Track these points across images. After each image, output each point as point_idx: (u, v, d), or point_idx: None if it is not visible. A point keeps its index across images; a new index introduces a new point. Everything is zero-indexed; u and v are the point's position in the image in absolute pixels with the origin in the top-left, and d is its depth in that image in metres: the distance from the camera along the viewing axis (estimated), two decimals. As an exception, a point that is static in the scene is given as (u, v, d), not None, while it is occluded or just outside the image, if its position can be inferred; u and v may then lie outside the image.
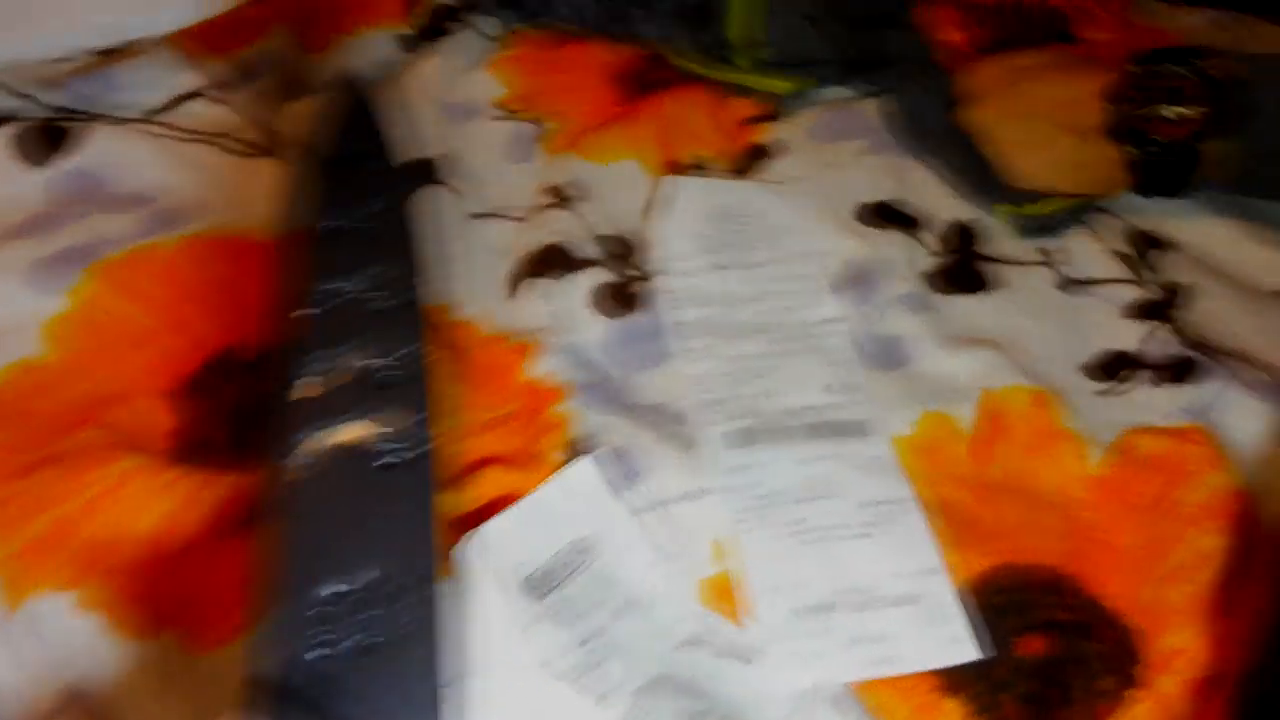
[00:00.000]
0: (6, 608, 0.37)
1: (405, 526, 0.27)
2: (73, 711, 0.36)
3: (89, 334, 0.47)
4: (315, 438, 0.27)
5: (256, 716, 0.24)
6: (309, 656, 0.24)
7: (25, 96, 0.55)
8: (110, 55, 0.58)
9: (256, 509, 0.39)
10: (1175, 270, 0.58)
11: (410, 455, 0.28)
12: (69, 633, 0.37)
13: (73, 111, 0.56)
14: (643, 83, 0.67)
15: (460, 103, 0.63)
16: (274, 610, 0.25)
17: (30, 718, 0.36)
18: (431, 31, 0.67)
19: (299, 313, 0.30)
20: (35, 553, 0.38)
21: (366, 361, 0.29)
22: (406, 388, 0.29)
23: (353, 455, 0.27)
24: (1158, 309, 0.56)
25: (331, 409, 0.28)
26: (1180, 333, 0.54)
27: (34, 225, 0.50)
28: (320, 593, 0.25)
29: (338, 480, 0.27)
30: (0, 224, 0.50)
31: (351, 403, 0.28)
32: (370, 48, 0.65)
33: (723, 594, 0.43)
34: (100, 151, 0.54)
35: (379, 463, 0.28)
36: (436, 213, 0.54)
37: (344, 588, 0.25)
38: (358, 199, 0.31)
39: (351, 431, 0.28)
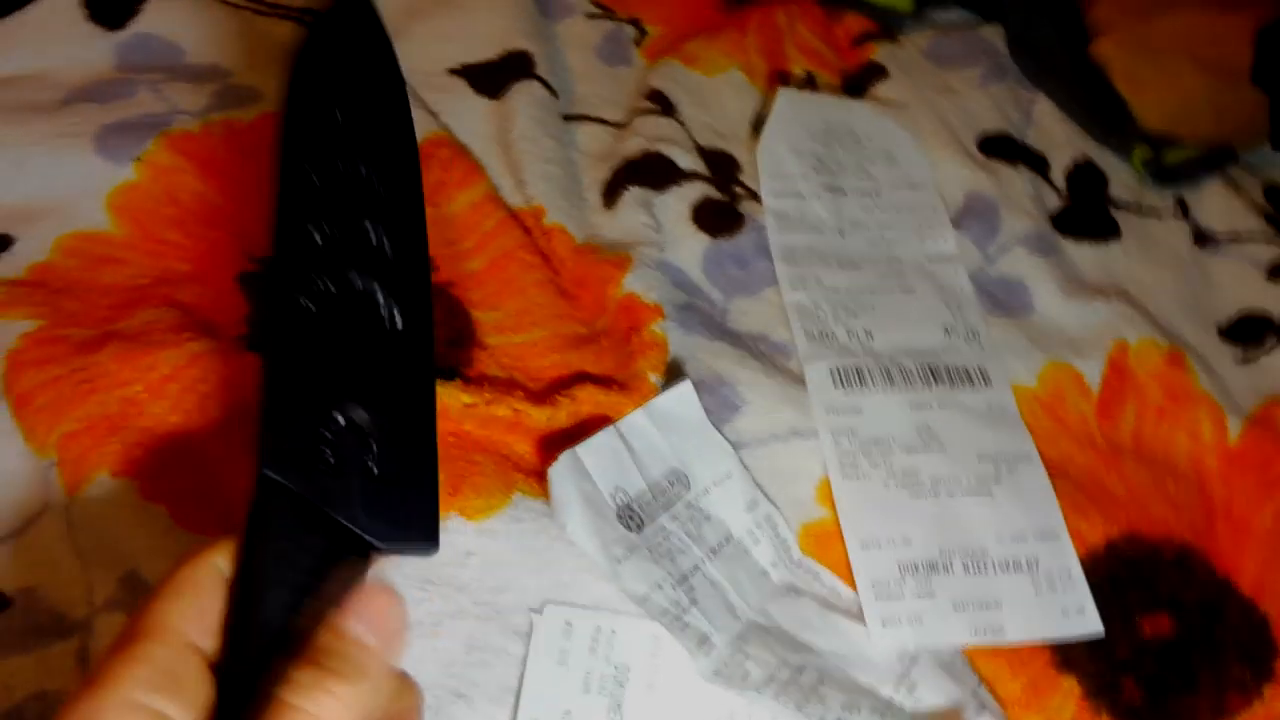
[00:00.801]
0: (65, 488, 0.35)
1: (411, 377, 0.27)
2: (133, 601, 0.33)
3: (157, 207, 0.43)
4: (327, 280, 0.28)
5: (268, 526, 0.24)
6: (324, 470, 0.25)
7: (99, -46, 0.52)
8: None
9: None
10: (1318, 232, 0.53)
11: (418, 328, 0.28)
12: (131, 520, 0.34)
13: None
14: (748, -9, 0.62)
15: (554, -3, 0.59)
16: (290, 425, 0.25)
17: (90, 605, 0.33)
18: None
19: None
20: (96, 434, 0.35)
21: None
22: (411, 264, 0.29)
23: (363, 307, 0.28)
24: (1307, 271, 0.51)
25: (340, 262, 0.28)
26: (1330, 299, 0.50)
27: (104, 89, 0.47)
28: (329, 418, 0.25)
29: (350, 327, 0.27)
30: (68, 86, 0.47)
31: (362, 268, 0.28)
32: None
33: (826, 542, 0.40)
34: (176, 19, 0.51)
35: (389, 325, 0.28)
36: (529, 109, 0.50)
37: (350, 419, 0.26)
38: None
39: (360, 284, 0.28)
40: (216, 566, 0.24)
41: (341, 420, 0.26)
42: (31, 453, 0.36)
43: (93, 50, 0.49)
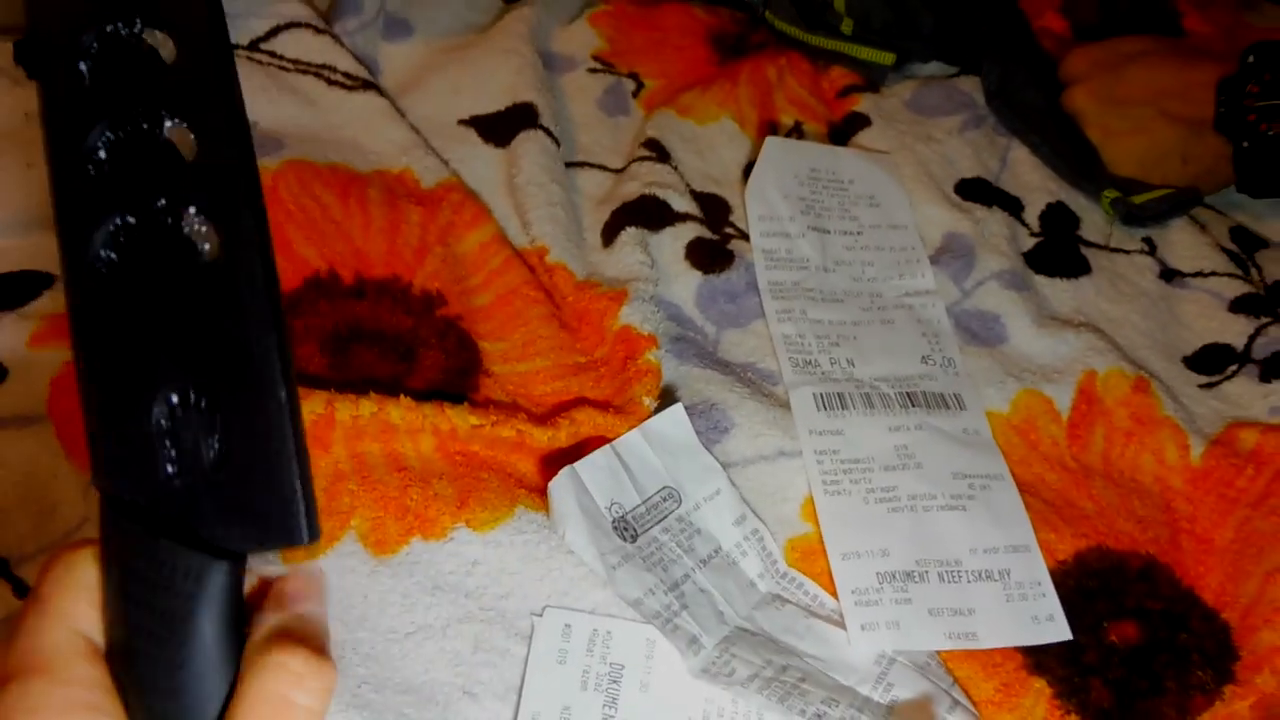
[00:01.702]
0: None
1: (242, 325, 0.21)
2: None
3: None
4: (121, 223, 0.21)
5: (118, 545, 0.21)
6: (162, 476, 0.21)
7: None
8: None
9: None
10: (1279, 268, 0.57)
11: (241, 251, 0.21)
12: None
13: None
14: (739, 45, 0.66)
15: (558, 53, 0.63)
16: (114, 429, 0.21)
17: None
18: (532, -19, 0.66)
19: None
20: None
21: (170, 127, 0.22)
22: (225, 168, 0.22)
23: (172, 245, 0.21)
24: (1266, 305, 0.54)
25: (134, 190, 0.22)
26: (1290, 330, 0.52)
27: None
28: (158, 404, 0.21)
29: (157, 273, 0.21)
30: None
31: (160, 184, 0.21)
32: (472, -7, 0.65)
33: (810, 556, 0.42)
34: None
35: (203, 258, 0.21)
36: (534, 157, 0.53)
37: (184, 400, 0.21)
38: None
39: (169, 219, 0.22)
40: (82, 578, 0.22)
41: (172, 404, 0.21)
42: (72, 469, 0.39)
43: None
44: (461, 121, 0.56)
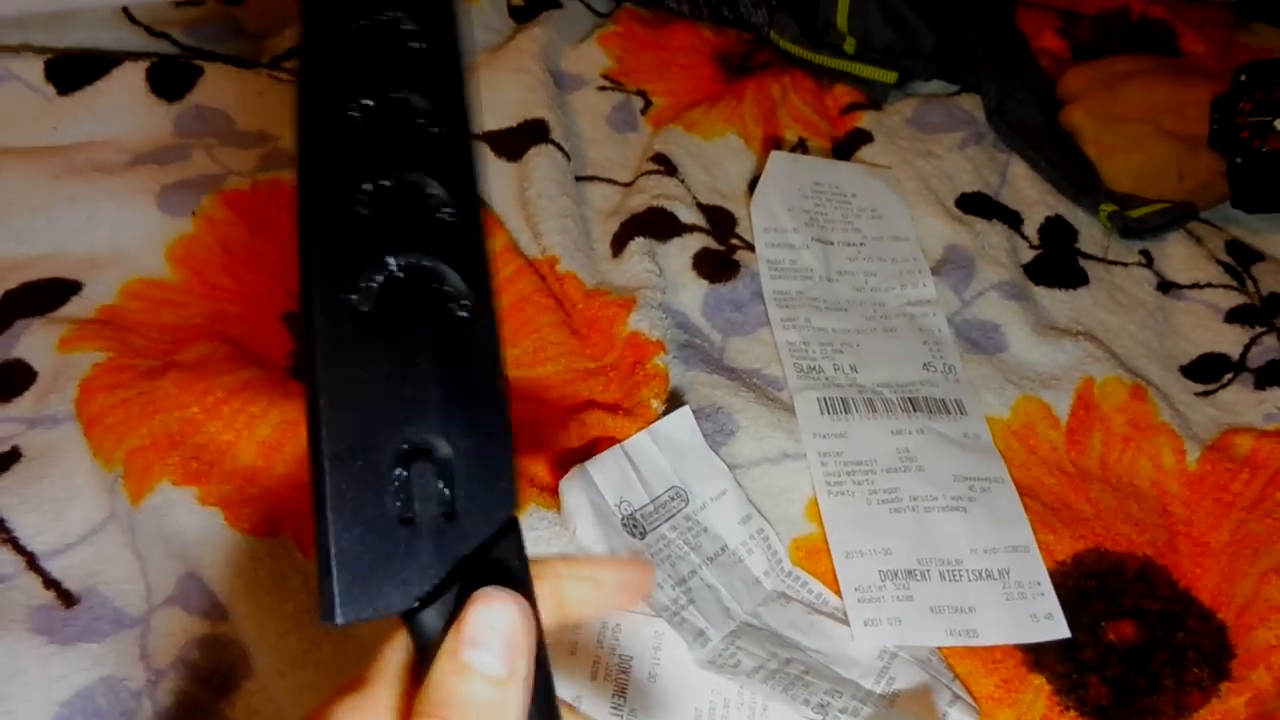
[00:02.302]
0: (130, 497, 0.39)
1: (479, 383, 0.22)
2: (190, 598, 0.37)
3: (211, 256, 0.49)
4: (385, 264, 0.21)
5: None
6: (388, 520, 0.20)
7: (162, 35, 0.58)
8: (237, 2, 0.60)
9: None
10: (1276, 281, 0.58)
11: (490, 328, 0.22)
12: (189, 525, 0.38)
13: (204, 52, 0.58)
14: (744, 64, 0.68)
15: (569, 72, 0.65)
16: (351, 460, 0.20)
17: (149, 602, 0.37)
18: (544, 3, 0.68)
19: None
20: (159, 449, 0.40)
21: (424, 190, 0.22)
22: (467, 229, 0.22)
23: (429, 295, 0.22)
24: (1261, 315, 0.55)
25: (393, 237, 0.22)
26: (1284, 340, 0.54)
27: (164, 153, 0.52)
28: (399, 446, 0.21)
29: (420, 325, 0.21)
30: (133, 150, 0.52)
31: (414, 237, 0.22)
32: (484, 13, 0.66)
33: (814, 555, 0.43)
34: (228, 92, 0.56)
35: (457, 311, 0.22)
36: (546, 171, 0.55)
37: (424, 446, 0.21)
38: None
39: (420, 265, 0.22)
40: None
41: (412, 453, 0.21)
42: (99, 466, 0.40)
43: (154, 119, 0.55)
44: (474, 137, 0.58)
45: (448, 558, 0.21)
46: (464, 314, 0.22)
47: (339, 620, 0.19)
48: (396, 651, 0.21)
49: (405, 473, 0.21)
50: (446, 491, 0.21)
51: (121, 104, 0.54)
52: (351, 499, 0.20)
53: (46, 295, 0.46)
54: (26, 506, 0.40)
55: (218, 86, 0.56)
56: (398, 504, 0.20)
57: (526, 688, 0.20)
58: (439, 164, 0.23)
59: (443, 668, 0.19)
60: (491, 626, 0.20)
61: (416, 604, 0.20)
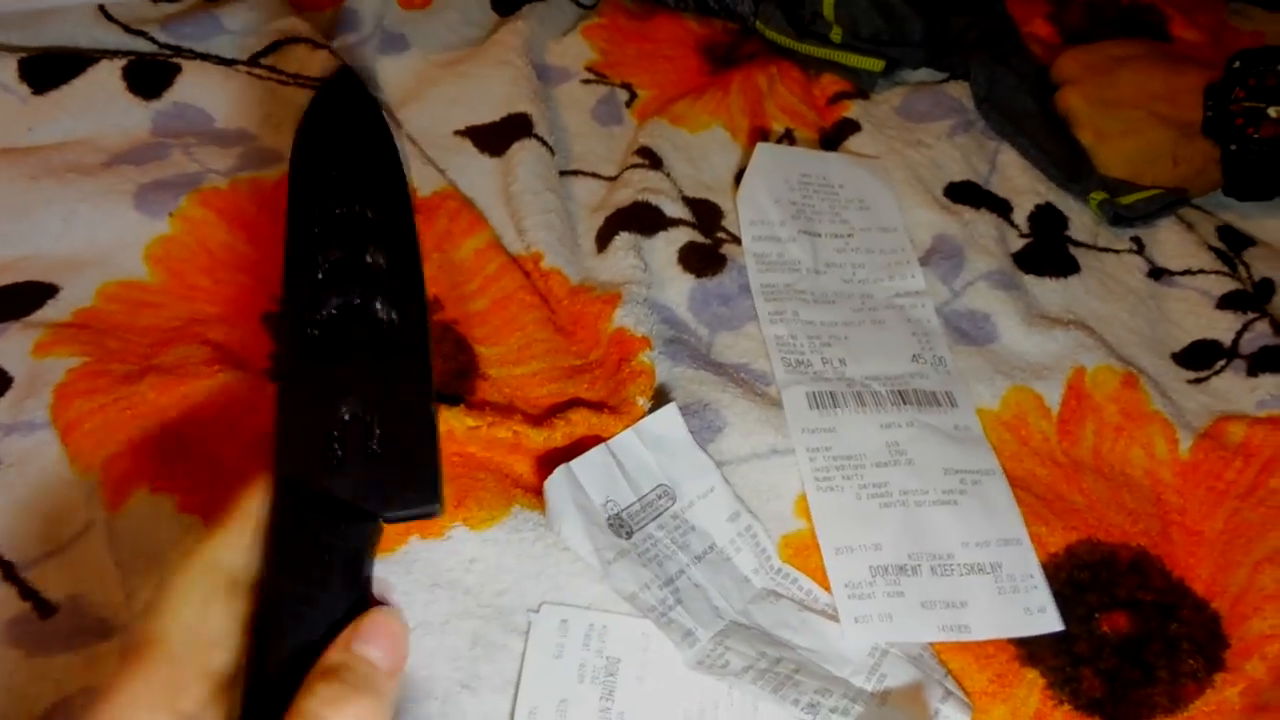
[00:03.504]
0: (107, 505, 0.38)
1: (405, 368, 0.31)
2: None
3: (190, 257, 0.48)
4: (338, 304, 0.32)
5: (284, 510, 0.27)
6: (333, 461, 0.28)
7: (139, 33, 0.57)
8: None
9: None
10: (1267, 267, 0.57)
11: (407, 323, 0.32)
12: (169, 533, 0.37)
13: (182, 50, 0.57)
14: (730, 55, 0.67)
15: (553, 65, 0.64)
16: (300, 425, 0.29)
17: (129, 611, 0.37)
18: (527, -5, 0.67)
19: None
20: (136, 455, 0.39)
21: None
22: (405, 276, 0.33)
23: (363, 316, 0.32)
24: (1253, 301, 0.54)
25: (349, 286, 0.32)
26: (1276, 325, 0.53)
27: (142, 153, 0.52)
28: (334, 416, 0.29)
29: (350, 333, 0.31)
30: (110, 150, 0.52)
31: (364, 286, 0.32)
32: (466, 7, 0.66)
33: (804, 552, 0.43)
34: (206, 89, 0.56)
35: (385, 324, 0.32)
36: (529, 166, 0.54)
37: (354, 413, 0.29)
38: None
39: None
40: (215, 565, 0.26)
41: (345, 415, 0.29)
42: (77, 474, 0.40)
43: (132, 118, 0.54)
44: (457, 132, 0.57)
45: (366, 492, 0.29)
46: (392, 324, 0.32)
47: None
48: (253, 499, 0.28)
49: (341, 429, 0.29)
50: (374, 446, 0.29)
51: (98, 103, 0.53)
52: (300, 449, 0.29)
53: (22, 299, 0.46)
54: (3, 515, 0.40)
55: (196, 84, 0.56)
56: (337, 453, 0.29)
57: (397, 684, 0.26)
58: (380, 239, 0.34)
59: (338, 650, 0.25)
60: (387, 631, 0.26)
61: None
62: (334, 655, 0.25)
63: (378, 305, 0.32)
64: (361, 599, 0.27)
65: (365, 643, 0.25)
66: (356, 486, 0.28)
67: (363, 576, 0.28)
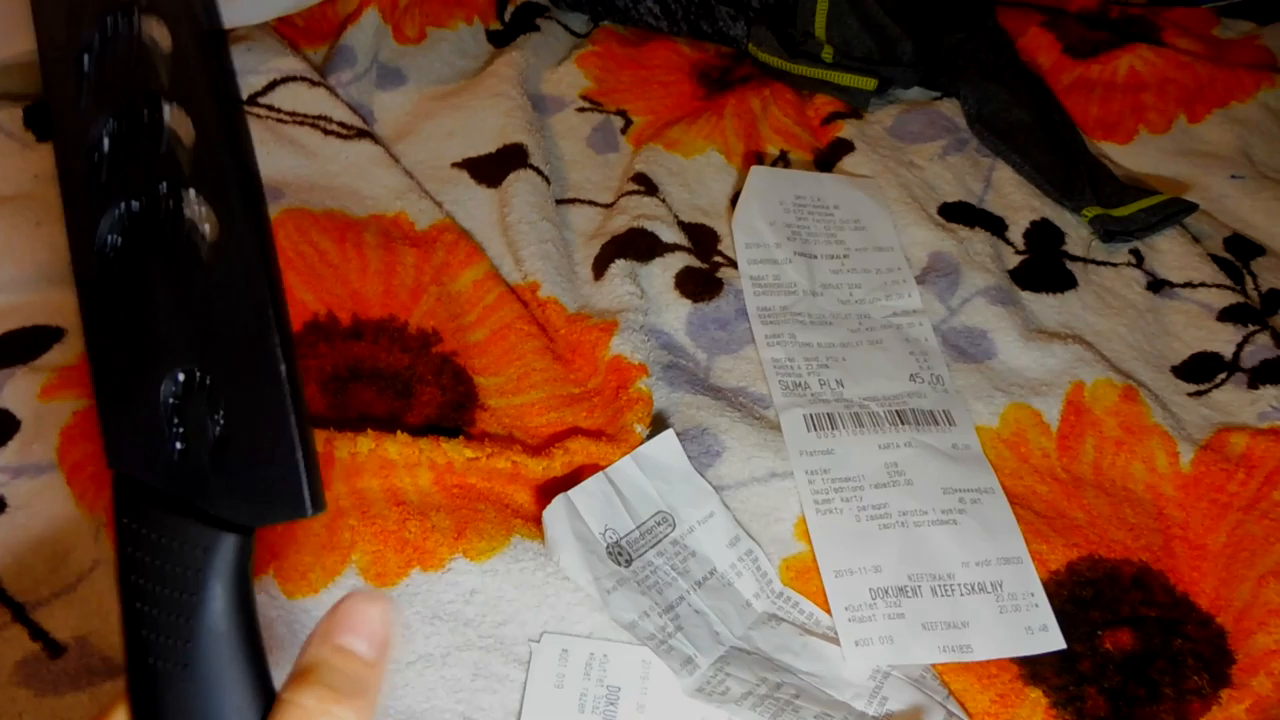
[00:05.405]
0: (114, 546, 0.39)
1: (241, 304, 0.22)
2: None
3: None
4: (125, 209, 0.22)
5: (129, 522, 0.22)
6: (170, 454, 0.22)
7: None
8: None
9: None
10: (1277, 277, 0.57)
11: (238, 233, 0.22)
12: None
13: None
14: (723, 79, 0.68)
15: (548, 95, 0.65)
16: (122, 409, 0.22)
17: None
18: (521, 26, 0.68)
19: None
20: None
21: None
22: (222, 152, 0.22)
23: (176, 231, 0.22)
24: (1255, 314, 0.54)
25: (137, 176, 0.22)
26: (1278, 338, 0.53)
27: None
28: (164, 384, 0.22)
29: (163, 258, 0.22)
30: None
31: (161, 170, 0.22)
32: (461, 40, 0.67)
33: (805, 574, 0.43)
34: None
35: (204, 240, 0.22)
36: (525, 196, 0.55)
37: (188, 381, 0.22)
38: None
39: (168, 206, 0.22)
40: None
41: (178, 384, 0.22)
42: (83, 515, 0.40)
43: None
44: (454, 164, 0.58)
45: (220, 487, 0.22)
46: (210, 239, 0.22)
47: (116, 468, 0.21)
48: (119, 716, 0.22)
49: (174, 402, 0.22)
50: (218, 422, 0.22)
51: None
52: (129, 438, 0.22)
53: (28, 343, 0.46)
54: (12, 557, 0.40)
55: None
56: (174, 438, 0.22)
57: (383, 673, 0.23)
58: (176, 87, 0.22)
59: (320, 647, 0.22)
60: (364, 617, 0.23)
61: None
62: (313, 651, 0.22)
63: (189, 208, 0.22)
64: (251, 620, 0.22)
65: (346, 633, 0.23)
66: (208, 486, 0.21)
67: (246, 593, 0.22)
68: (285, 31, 0.63)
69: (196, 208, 0.22)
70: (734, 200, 0.58)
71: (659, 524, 0.42)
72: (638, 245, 0.54)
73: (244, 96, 0.59)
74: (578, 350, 0.49)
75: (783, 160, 0.62)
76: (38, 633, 0.39)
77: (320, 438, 0.41)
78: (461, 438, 0.43)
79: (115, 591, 0.38)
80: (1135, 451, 0.48)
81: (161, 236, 0.22)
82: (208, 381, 0.22)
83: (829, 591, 0.42)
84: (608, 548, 0.40)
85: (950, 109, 0.65)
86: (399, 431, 0.42)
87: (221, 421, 0.21)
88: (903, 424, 0.48)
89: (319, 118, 0.58)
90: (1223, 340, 0.54)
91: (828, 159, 0.62)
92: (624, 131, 0.63)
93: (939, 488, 0.45)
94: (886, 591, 0.42)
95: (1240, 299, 0.55)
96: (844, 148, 0.62)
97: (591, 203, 0.58)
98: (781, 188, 0.58)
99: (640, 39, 0.70)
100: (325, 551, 0.39)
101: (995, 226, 0.58)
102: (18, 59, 0.55)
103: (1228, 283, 0.56)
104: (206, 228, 0.22)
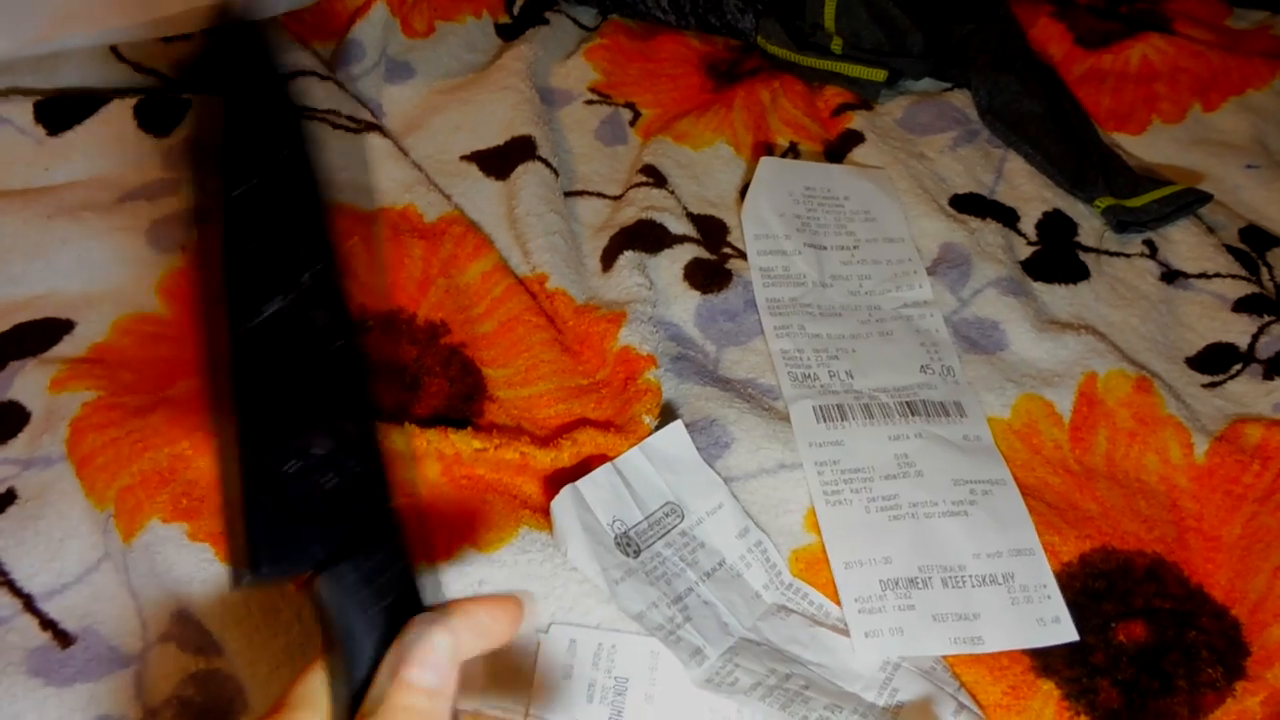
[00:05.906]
0: (122, 535, 0.39)
1: (350, 399, 0.26)
2: (184, 635, 0.37)
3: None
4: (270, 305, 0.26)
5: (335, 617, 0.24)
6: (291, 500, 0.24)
7: (150, 72, 0.58)
8: (227, 34, 0.61)
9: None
10: (1291, 266, 0.57)
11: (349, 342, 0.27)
12: (180, 562, 0.38)
13: (192, 86, 0.58)
14: (732, 71, 0.68)
15: (557, 88, 0.65)
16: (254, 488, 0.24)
17: (144, 640, 0.37)
18: (530, 20, 0.68)
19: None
20: (148, 487, 0.40)
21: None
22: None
23: (304, 327, 0.26)
24: (1271, 305, 0.54)
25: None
26: (1293, 328, 0.52)
27: (154, 188, 0.53)
28: (285, 467, 0.25)
29: (291, 349, 0.26)
30: (123, 187, 0.53)
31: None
32: (470, 34, 0.67)
33: (815, 566, 0.43)
34: (217, 124, 0.56)
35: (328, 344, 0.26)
36: (534, 188, 0.55)
37: (302, 462, 0.25)
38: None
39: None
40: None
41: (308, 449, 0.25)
42: (92, 506, 0.40)
43: (144, 155, 0.55)
44: (463, 157, 0.58)
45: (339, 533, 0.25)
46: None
47: (261, 573, 0.23)
48: (313, 678, 0.24)
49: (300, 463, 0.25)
50: (335, 479, 0.25)
51: (110, 141, 0.55)
52: (261, 489, 0.24)
53: (39, 336, 0.47)
54: (23, 548, 0.40)
55: (207, 120, 0.56)
56: (298, 490, 0.25)
57: (452, 698, 0.24)
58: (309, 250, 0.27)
59: (385, 680, 0.23)
60: (428, 647, 0.24)
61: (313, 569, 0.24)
62: (380, 688, 0.23)
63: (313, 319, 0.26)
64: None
65: (412, 667, 0.23)
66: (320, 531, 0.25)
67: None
68: (293, 27, 0.63)
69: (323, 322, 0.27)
70: (743, 192, 0.58)
71: (667, 515, 0.42)
72: (646, 237, 0.53)
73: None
74: (586, 342, 0.49)
75: (792, 152, 0.62)
76: (48, 623, 0.39)
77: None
78: (470, 429, 0.43)
79: (125, 583, 0.38)
80: (1149, 443, 0.48)
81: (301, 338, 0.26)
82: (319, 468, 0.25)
83: (839, 583, 0.42)
84: (616, 539, 0.40)
85: (961, 100, 0.64)
86: (406, 423, 0.42)
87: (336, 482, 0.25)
88: (913, 415, 0.47)
89: (328, 112, 0.58)
90: (1238, 331, 0.53)
91: (838, 150, 0.62)
92: (632, 124, 0.63)
93: (950, 479, 0.45)
94: (897, 583, 0.42)
95: (1255, 290, 0.55)
96: (854, 139, 0.61)
97: (600, 195, 0.58)
98: (791, 179, 0.58)
99: (649, 32, 0.70)
100: (333, 542, 0.39)
101: (1007, 217, 0.58)
102: (26, 52, 0.55)
103: (1243, 273, 0.56)
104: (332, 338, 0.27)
